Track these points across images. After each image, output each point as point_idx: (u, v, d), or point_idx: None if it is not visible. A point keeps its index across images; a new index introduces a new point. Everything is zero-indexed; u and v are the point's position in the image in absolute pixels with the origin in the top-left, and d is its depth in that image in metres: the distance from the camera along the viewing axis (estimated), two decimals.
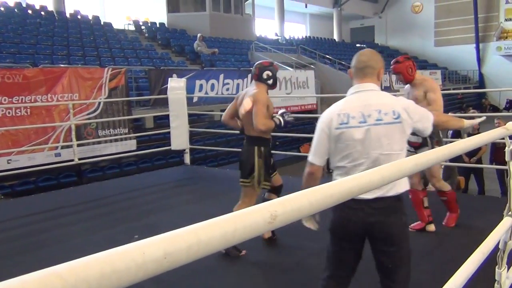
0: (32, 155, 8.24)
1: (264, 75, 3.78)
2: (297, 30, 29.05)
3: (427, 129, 2.26)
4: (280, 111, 3.92)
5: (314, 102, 15.93)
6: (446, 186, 4.26)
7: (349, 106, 2.20)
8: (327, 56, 22.14)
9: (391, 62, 4.26)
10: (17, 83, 8.18)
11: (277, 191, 3.95)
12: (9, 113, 8.03)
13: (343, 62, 21.71)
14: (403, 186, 2.19)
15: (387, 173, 1.16)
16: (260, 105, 3.64)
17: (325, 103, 17.23)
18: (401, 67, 4.13)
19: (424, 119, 2.24)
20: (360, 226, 2.17)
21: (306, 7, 27.36)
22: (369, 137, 2.13)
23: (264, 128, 3.64)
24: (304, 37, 27.05)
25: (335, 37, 29.35)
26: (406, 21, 31.47)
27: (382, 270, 2.23)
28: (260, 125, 3.60)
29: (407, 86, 4.29)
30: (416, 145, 3.99)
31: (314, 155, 2.30)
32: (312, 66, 19.12)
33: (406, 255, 2.22)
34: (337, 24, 29.55)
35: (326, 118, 2.23)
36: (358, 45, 30.10)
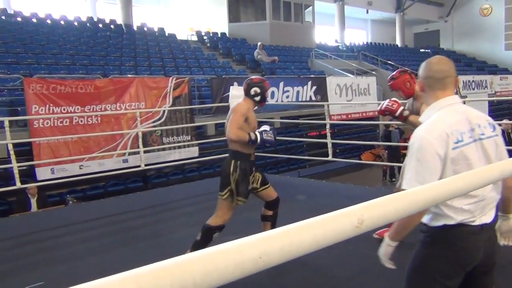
0: (102, 161, 8.66)
1: (252, 91, 3.79)
2: (358, 36, 28.61)
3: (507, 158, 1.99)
4: (262, 128, 3.84)
5: (376, 109, 15.55)
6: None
7: (454, 121, 1.91)
8: (389, 62, 21.60)
9: (388, 79, 4.10)
10: (89, 93, 8.66)
11: (272, 206, 3.86)
12: (81, 121, 8.51)
13: (406, 68, 21.08)
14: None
15: (471, 179, 1.10)
16: (237, 115, 3.63)
17: None
18: (398, 83, 4.00)
19: (504, 148, 2.06)
20: (482, 255, 1.90)
21: (367, 13, 26.92)
22: (484, 155, 1.92)
23: (234, 137, 3.58)
24: (365, 43, 26.58)
25: (398, 42, 28.59)
26: (474, 25, 30.04)
27: None
28: (231, 134, 3.58)
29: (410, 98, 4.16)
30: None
31: None
32: (373, 72, 18.73)
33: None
34: (399, 29, 28.79)
35: (438, 137, 1.85)
36: (422, 50, 29.13)
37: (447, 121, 1.90)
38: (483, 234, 1.89)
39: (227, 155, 3.90)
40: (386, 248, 2.02)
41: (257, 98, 3.82)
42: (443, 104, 1.97)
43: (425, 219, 1.93)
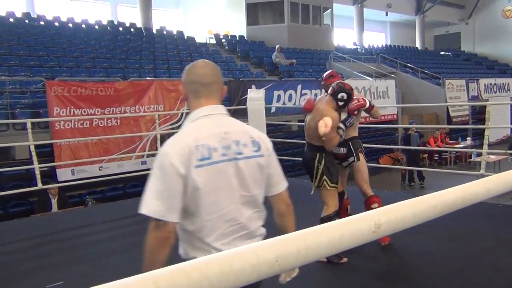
0: (121, 163, 8.77)
1: (339, 96, 3.90)
2: (377, 38, 28.38)
3: (278, 182, 1.91)
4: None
5: (395, 113, 15.40)
6: (371, 192, 4.21)
7: (205, 135, 1.67)
8: (409, 65, 21.36)
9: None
10: (109, 95, 8.78)
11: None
12: (101, 123, 8.63)
13: (426, 71, 20.83)
14: None
15: (491, 185, 1.09)
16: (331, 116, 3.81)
17: (406, 113, 16.61)
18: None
19: (277, 170, 1.88)
20: None
21: (386, 15, 26.69)
22: (237, 177, 1.69)
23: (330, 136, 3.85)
24: (384, 45, 26.35)
25: (418, 45, 28.26)
26: (496, 27, 29.49)
27: None
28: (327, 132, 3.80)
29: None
30: (342, 157, 4.15)
31: (168, 209, 1.62)
32: (392, 75, 18.55)
33: None
34: (419, 32, 28.46)
35: (179, 151, 1.62)
36: (442, 52, 28.74)
37: (195, 135, 1.66)
38: None
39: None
40: None
41: (341, 104, 3.94)
42: (201, 114, 1.74)
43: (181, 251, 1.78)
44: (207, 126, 1.70)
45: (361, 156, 4.18)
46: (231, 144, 1.68)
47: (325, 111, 3.85)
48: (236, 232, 1.71)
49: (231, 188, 1.67)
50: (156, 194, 1.61)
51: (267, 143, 1.82)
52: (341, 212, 4.14)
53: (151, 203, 1.61)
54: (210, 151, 1.63)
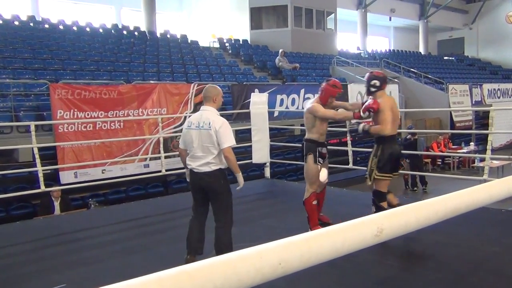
0: (124, 166, 8.78)
1: (372, 82, 4.43)
2: (380, 43, 28.40)
3: (222, 143, 3.73)
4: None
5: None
6: (306, 194, 4.71)
7: (192, 117, 3.96)
8: (412, 70, 21.35)
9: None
10: (112, 98, 8.79)
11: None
12: (104, 126, 8.64)
13: (429, 76, 20.80)
14: None
15: (494, 190, 1.09)
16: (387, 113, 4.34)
17: (409, 117, 16.59)
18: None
19: (223, 135, 3.74)
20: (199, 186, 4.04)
21: (390, 20, 26.72)
22: (198, 135, 3.79)
23: (388, 132, 4.41)
24: (387, 50, 26.36)
25: (421, 50, 28.26)
26: (499, 32, 29.48)
27: None
28: (386, 130, 4.39)
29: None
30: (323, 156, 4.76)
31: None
32: (396, 80, 18.54)
33: None
34: (423, 37, 28.46)
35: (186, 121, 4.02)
36: (446, 57, 28.71)
37: (190, 117, 4.03)
38: (193, 175, 3.86)
39: (249, 161, 4.93)
40: None
41: (373, 90, 4.44)
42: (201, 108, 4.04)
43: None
44: (196, 114, 3.99)
45: (309, 158, 4.68)
46: (200, 122, 3.82)
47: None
48: (196, 158, 3.84)
49: (194, 140, 3.82)
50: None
51: (216, 125, 3.75)
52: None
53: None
54: (191, 123, 3.88)
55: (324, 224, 4.89)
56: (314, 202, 4.75)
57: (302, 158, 4.82)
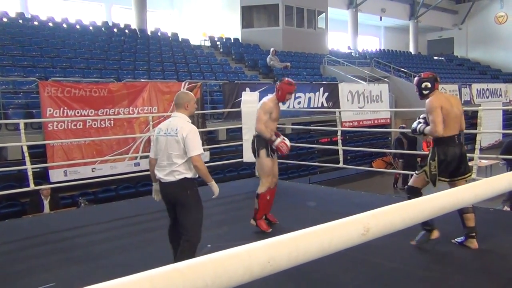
0: (114, 164, 8.74)
1: (423, 85, 4.36)
2: (371, 43, 28.54)
3: (189, 151, 3.61)
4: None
5: (388, 116, 15.50)
6: (261, 188, 4.92)
7: (162, 124, 3.86)
8: (402, 69, 21.50)
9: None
10: (103, 96, 8.75)
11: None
12: (94, 124, 8.59)
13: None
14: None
15: (479, 190, 1.11)
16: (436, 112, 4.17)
17: (399, 117, 16.70)
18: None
19: (191, 143, 3.62)
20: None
21: (381, 19, 26.86)
22: (166, 143, 3.68)
23: (441, 132, 4.19)
24: (378, 50, 26.51)
25: (411, 49, 28.46)
26: (488, 32, 29.78)
27: None
28: (439, 130, 4.12)
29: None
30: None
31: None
32: (386, 79, 18.66)
33: None
34: (413, 37, 28.66)
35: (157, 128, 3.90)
36: (435, 57, 28.94)
37: (161, 124, 4.00)
38: (161, 185, 3.79)
39: (240, 160, 4.91)
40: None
41: (425, 92, 4.36)
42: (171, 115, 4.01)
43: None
44: (166, 120, 3.90)
45: (262, 152, 4.89)
46: (168, 129, 3.72)
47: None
48: (162, 167, 3.74)
49: (163, 148, 3.70)
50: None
51: (183, 132, 3.62)
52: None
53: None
54: (160, 130, 3.78)
55: (270, 222, 5.02)
56: (268, 197, 4.94)
57: (254, 154, 5.02)
